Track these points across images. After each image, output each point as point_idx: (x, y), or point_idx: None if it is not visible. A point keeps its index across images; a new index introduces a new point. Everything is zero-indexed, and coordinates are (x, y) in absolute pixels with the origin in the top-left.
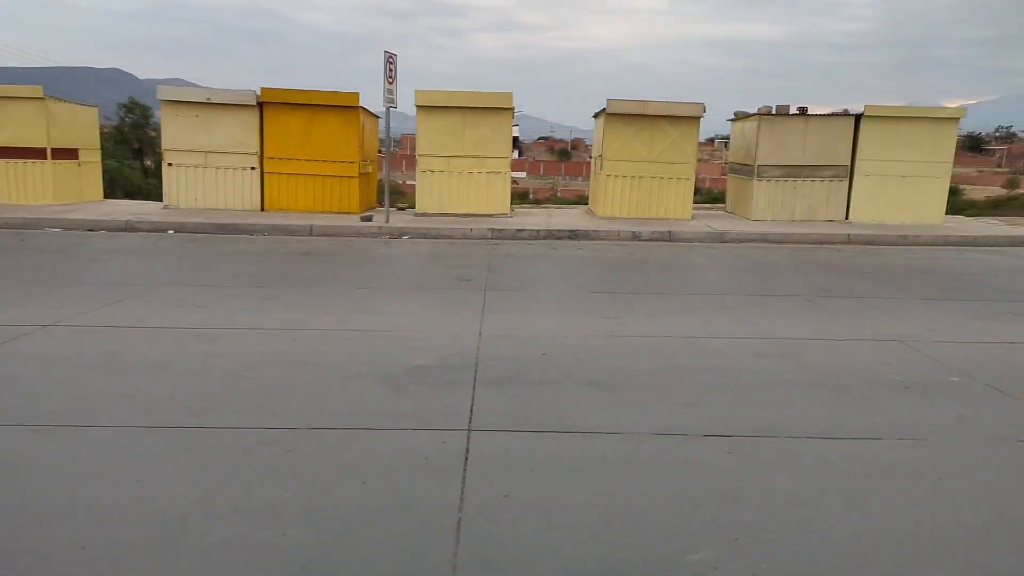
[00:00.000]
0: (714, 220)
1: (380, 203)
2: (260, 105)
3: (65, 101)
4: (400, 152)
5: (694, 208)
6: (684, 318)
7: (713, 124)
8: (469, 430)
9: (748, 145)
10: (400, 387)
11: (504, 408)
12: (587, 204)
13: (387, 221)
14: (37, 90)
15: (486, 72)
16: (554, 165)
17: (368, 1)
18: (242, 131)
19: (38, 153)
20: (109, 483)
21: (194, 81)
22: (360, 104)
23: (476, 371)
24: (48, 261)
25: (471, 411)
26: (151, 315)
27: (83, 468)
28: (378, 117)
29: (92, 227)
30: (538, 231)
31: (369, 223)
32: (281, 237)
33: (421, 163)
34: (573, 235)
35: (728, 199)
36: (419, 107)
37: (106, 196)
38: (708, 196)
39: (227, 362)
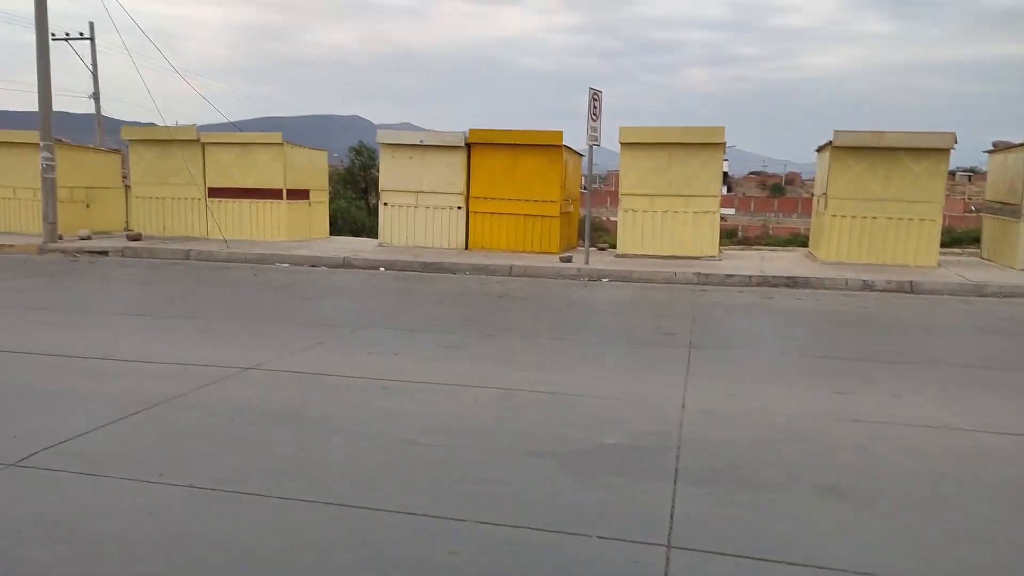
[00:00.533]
0: (966, 268)
1: (581, 242)
2: (468, 146)
3: (300, 146)
4: (605, 188)
5: (939, 253)
6: (944, 399)
7: (952, 155)
8: (668, 546)
9: (1012, 180)
10: (586, 473)
11: (713, 517)
12: (806, 246)
13: (586, 262)
14: (277, 136)
15: (694, 107)
16: (766, 201)
17: (579, 43)
18: (450, 172)
19: (276, 194)
20: (252, 570)
21: (420, 124)
22: (563, 143)
23: (678, 458)
24: (270, 297)
25: (671, 518)
26: (344, 362)
27: (231, 548)
28: (581, 155)
29: (315, 263)
30: (750, 277)
31: (568, 264)
32: (481, 277)
33: (624, 202)
34: (791, 282)
35: (984, 244)
36: (623, 144)
37: (334, 233)
38: (949, 236)
39: (405, 424)
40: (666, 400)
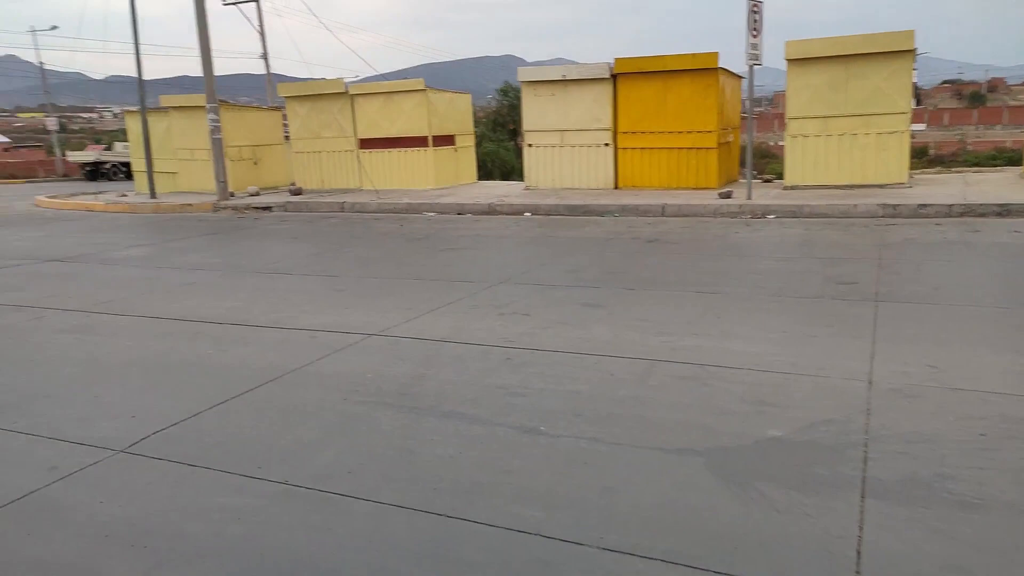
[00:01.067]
0: None
1: (743, 175)
2: (614, 77)
3: (443, 91)
4: (772, 111)
5: None
6: None
7: None
8: None
9: None
10: (741, 480)
11: (918, 554)
12: (1016, 165)
13: (749, 197)
14: (419, 83)
15: (871, 13)
16: (962, 113)
17: None
18: (596, 106)
19: (421, 141)
20: None
21: (572, 58)
22: (719, 65)
23: (865, 461)
24: (411, 250)
25: (858, 556)
26: (471, 325)
27: (315, 565)
28: (741, 77)
29: (460, 211)
30: (950, 206)
31: (728, 200)
32: (631, 219)
33: (791, 127)
34: (1004, 211)
35: None
36: (790, 61)
37: (483, 177)
38: None
39: (527, 406)
40: (846, 375)
